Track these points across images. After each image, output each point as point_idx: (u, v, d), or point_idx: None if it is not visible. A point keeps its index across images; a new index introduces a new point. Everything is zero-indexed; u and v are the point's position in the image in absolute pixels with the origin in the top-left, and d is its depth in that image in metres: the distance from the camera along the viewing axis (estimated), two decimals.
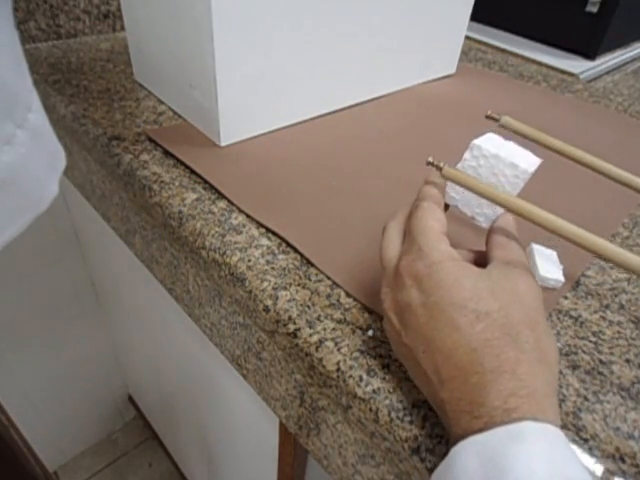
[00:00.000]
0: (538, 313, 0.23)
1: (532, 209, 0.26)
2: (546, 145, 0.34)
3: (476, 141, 0.28)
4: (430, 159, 0.29)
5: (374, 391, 0.27)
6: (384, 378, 0.27)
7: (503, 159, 0.27)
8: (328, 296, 0.32)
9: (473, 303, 0.23)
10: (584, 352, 0.30)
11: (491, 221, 0.29)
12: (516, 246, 0.27)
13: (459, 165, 0.29)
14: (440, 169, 0.28)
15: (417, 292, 0.24)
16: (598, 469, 0.24)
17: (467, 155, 0.29)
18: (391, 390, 0.27)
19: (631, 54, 0.89)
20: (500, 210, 0.28)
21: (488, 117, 0.35)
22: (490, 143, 0.28)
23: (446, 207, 0.30)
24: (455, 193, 0.29)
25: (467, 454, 0.20)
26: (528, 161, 0.28)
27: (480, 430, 0.20)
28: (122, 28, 0.68)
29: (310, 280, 0.33)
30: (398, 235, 0.28)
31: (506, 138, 0.29)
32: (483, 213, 0.29)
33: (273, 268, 0.33)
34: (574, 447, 0.25)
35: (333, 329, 0.29)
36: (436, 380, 0.22)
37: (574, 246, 0.26)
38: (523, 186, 0.28)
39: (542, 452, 0.19)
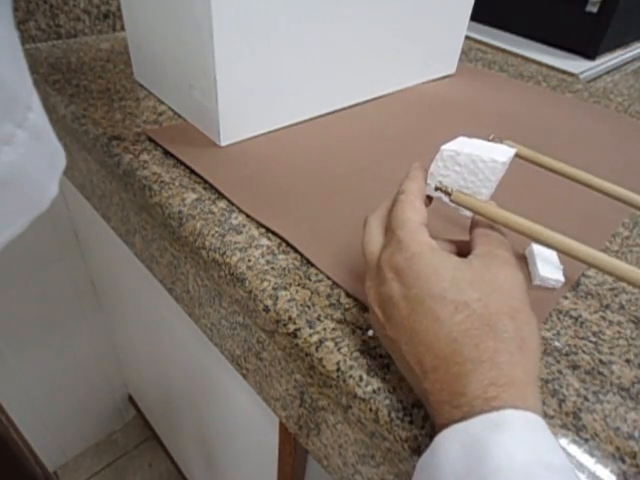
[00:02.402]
0: (519, 302, 0.24)
1: (548, 233, 0.26)
2: (548, 168, 0.34)
3: (446, 146, 0.28)
4: (438, 184, 0.29)
5: (374, 391, 0.27)
6: (384, 378, 0.27)
7: (480, 157, 0.27)
8: (328, 296, 0.32)
9: (452, 294, 0.23)
10: (584, 352, 0.30)
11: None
12: (498, 236, 0.27)
13: (431, 169, 0.29)
14: (449, 194, 0.28)
15: (398, 285, 0.24)
16: (598, 469, 0.24)
17: (439, 162, 0.28)
18: (391, 390, 0.27)
19: (631, 54, 0.89)
20: (483, 199, 0.28)
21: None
22: (460, 145, 0.28)
23: (430, 199, 0.30)
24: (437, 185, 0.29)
25: (450, 442, 0.20)
26: (504, 153, 0.28)
27: (461, 419, 0.20)
28: (122, 28, 0.68)
29: (310, 280, 0.33)
30: (379, 229, 0.28)
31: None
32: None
33: (273, 268, 0.33)
34: (574, 447, 0.25)
35: (333, 329, 0.29)
36: (419, 371, 0.23)
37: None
38: (501, 177, 0.28)
39: (522, 439, 0.19)
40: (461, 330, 0.22)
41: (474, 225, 0.28)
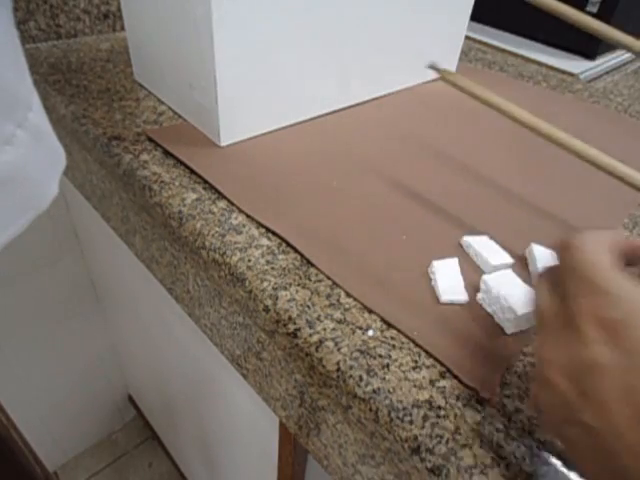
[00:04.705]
0: None
1: (548, 128, 0.26)
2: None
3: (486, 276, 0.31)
4: (432, 64, 0.28)
5: (374, 391, 0.27)
6: (384, 378, 0.27)
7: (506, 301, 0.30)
8: (328, 296, 0.32)
9: None
10: None
11: (515, 326, 0.30)
12: None
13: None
14: (440, 71, 0.28)
15: (609, 349, 0.18)
16: None
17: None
18: (391, 390, 0.27)
19: (631, 54, 0.89)
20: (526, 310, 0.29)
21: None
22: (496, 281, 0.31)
23: None
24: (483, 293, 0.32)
25: None
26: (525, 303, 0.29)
27: None
28: (122, 28, 0.68)
29: (310, 280, 0.33)
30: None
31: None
32: (506, 318, 0.30)
33: (273, 268, 0.33)
34: None
35: (333, 329, 0.29)
36: None
37: None
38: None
39: None
40: None
41: None
